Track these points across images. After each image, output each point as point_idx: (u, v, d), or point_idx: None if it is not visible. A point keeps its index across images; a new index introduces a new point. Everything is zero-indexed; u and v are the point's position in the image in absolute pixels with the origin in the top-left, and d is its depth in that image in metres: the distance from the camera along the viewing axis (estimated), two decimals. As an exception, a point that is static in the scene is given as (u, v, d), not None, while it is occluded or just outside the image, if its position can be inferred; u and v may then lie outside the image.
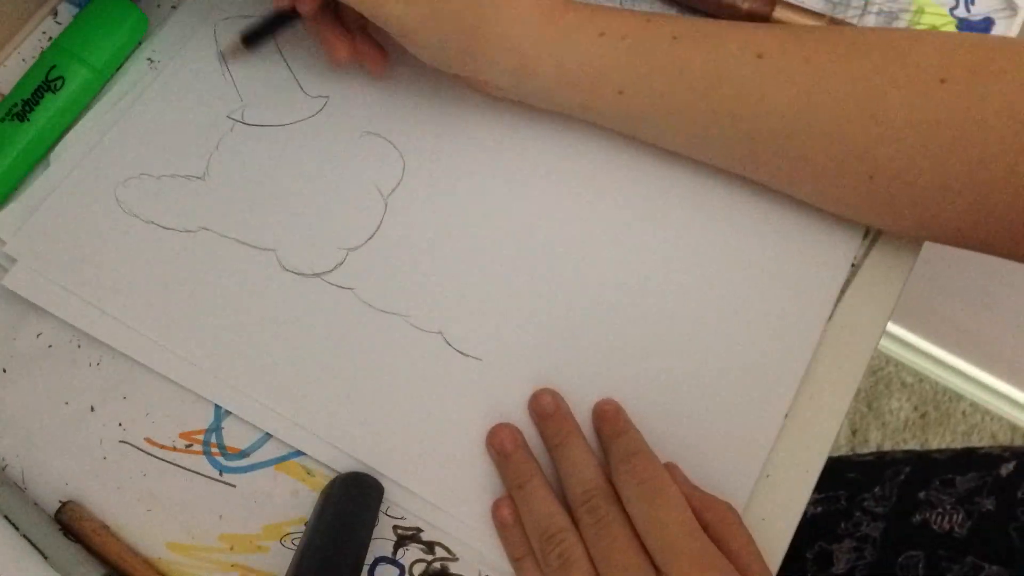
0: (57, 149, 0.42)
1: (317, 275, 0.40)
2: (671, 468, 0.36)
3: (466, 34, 0.37)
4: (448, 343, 0.39)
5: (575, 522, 0.35)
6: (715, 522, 0.34)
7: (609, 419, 0.37)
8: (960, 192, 0.35)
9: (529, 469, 0.36)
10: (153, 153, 0.42)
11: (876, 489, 0.53)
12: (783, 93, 0.36)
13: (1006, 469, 0.50)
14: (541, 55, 0.37)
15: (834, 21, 0.44)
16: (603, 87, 0.38)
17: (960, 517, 0.49)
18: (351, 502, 0.36)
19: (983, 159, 0.34)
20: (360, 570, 0.34)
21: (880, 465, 0.56)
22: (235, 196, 0.41)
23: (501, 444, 0.37)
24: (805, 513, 0.54)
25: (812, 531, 0.54)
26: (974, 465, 0.52)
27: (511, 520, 0.36)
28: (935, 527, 0.50)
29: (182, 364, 0.38)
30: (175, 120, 0.42)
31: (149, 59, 0.44)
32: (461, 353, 0.39)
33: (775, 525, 0.37)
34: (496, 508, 0.36)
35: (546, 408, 0.37)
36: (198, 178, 0.41)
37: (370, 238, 0.41)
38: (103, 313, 0.39)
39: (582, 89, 0.38)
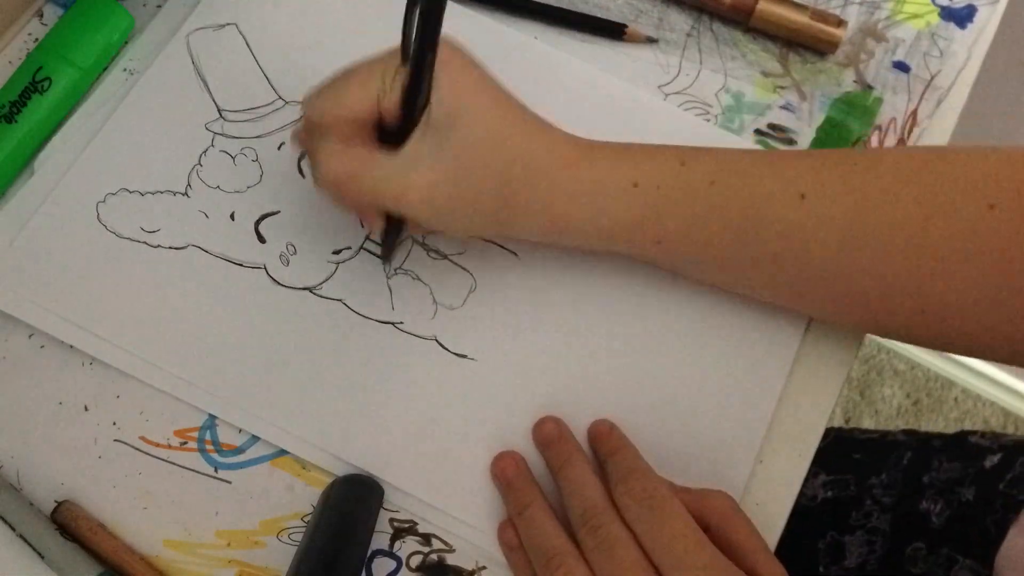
0: (40, 157, 0.41)
1: (307, 288, 0.40)
2: None
3: (494, 204, 0.34)
4: (443, 346, 0.39)
5: (578, 544, 0.34)
6: (714, 519, 0.34)
7: (603, 439, 0.37)
8: (1011, 320, 0.33)
9: (529, 494, 0.36)
10: (133, 169, 0.41)
11: (883, 476, 0.53)
12: (828, 234, 0.34)
13: (990, 462, 0.49)
14: (571, 213, 0.35)
15: (817, 12, 0.44)
16: (640, 238, 0.36)
17: (939, 507, 0.49)
18: (352, 504, 0.36)
19: None
20: (360, 572, 0.34)
21: (883, 445, 0.55)
22: (219, 211, 0.41)
23: (503, 472, 0.37)
24: (816, 497, 0.54)
25: (824, 519, 0.53)
26: (961, 456, 0.52)
27: (516, 543, 0.35)
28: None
29: (177, 381, 0.38)
30: (153, 134, 0.42)
31: (127, 66, 0.43)
32: (456, 355, 0.39)
33: (771, 509, 0.38)
34: (501, 531, 0.36)
35: (549, 435, 0.37)
36: (180, 194, 0.41)
37: (359, 248, 0.41)
38: (92, 334, 0.38)
39: (618, 240, 0.36)
